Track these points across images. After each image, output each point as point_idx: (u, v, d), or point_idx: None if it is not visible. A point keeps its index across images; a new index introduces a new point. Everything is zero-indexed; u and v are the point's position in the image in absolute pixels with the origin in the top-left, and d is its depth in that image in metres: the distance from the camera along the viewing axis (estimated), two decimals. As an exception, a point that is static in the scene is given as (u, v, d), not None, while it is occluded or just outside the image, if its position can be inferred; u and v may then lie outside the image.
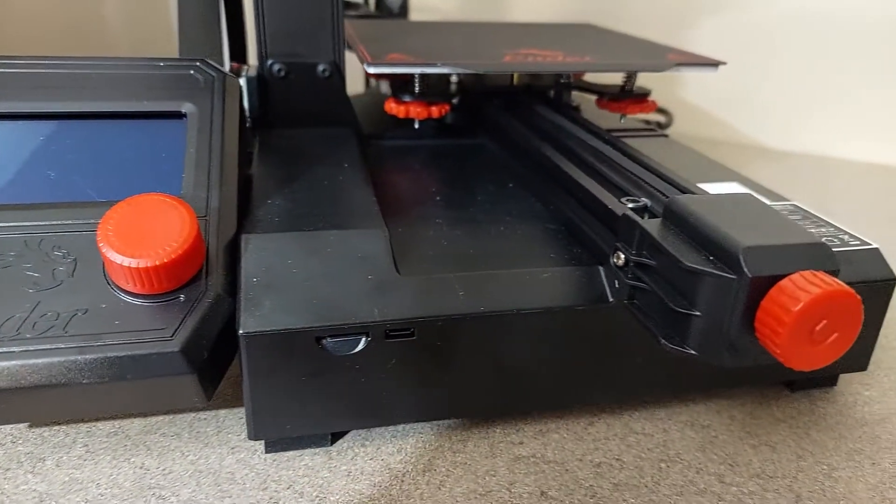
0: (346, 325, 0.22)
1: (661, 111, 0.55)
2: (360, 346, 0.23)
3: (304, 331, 0.22)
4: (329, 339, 0.22)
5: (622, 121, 0.41)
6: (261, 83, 0.35)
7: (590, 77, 0.41)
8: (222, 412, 0.26)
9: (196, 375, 0.21)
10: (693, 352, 0.20)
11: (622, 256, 0.23)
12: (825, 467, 0.25)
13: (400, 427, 0.26)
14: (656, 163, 0.29)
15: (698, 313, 0.19)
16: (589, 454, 0.25)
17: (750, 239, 0.19)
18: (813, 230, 0.28)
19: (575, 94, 0.43)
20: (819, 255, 0.19)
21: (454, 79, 0.41)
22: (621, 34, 0.45)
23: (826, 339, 0.18)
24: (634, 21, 0.68)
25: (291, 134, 0.35)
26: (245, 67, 0.35)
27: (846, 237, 0.28)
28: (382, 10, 0.73)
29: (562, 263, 0.25)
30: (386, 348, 0.23)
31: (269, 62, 0.35)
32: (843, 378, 0.30)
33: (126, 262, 0.21)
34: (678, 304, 0.20)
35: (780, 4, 0.61)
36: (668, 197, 0.24)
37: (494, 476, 0.24)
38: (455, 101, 0.41)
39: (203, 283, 0.22)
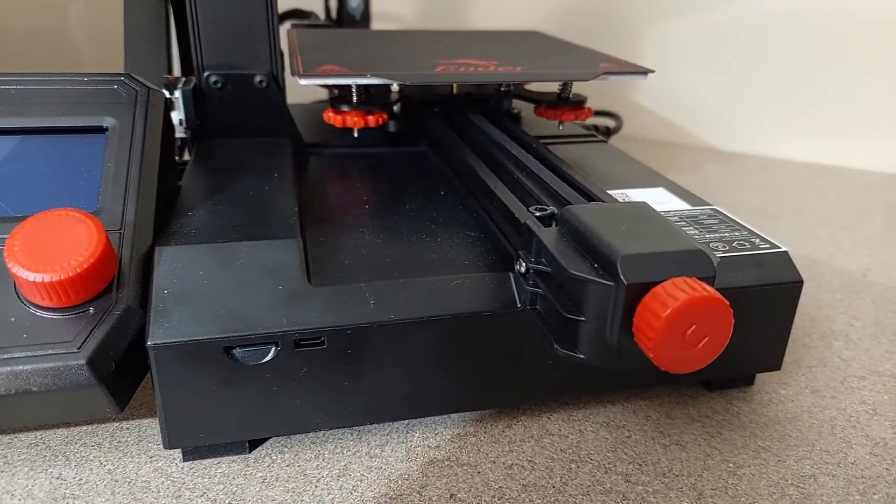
0: (255, 335, 0.23)
1: (611, 115, 0.56)
2: (270, 356, 0.23)
3: (213, 341, 0.22)
4: (238, 349, 0.23)
5: (560, 128, 0.42)
6: (197, 95, 0.35)
7: (532, 84, 0.42)
8: (146, 421, 0.27)
9: (104, 387, 0.22)
10: (582, 356, 0.21)
11: (524, 264, 0.23)
12: (731, 465, 0.25)
13: (321, 433, 0.26)
14: (574, 171, 0.30)
15: (584, 319, 0.20)
16: (503, 456, 0.25)
17: (629, 247, 0.20)
18: (727, 234, 0.29)
19: (518, 102, 0.44)
20: (695, 262, 0.20)
21: (395, 88, 0.42)
22: (564, 42, 0.46)
23: (697, 343, 0.19)
24: (591, 28, 0.69)
25: (228, 144, 0.35)
26: (181, 80, 0.36)
27: (757, 241, 0.29)
28: (345, 18, 0.74)
29: (475, 270, 0.26)
30: (296, 357, 0.23)
31: (206, 74, 0.35)
32: (762, 377, 0.31)
33: (32, 276, 0.21)
34: (568, 310, 0.21)
35: (730, 10, 0.62)
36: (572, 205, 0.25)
37: (407, 479, 0.24)
38: (396, 109, 0.41)
39: (113, 296, 0.23)
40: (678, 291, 0.18)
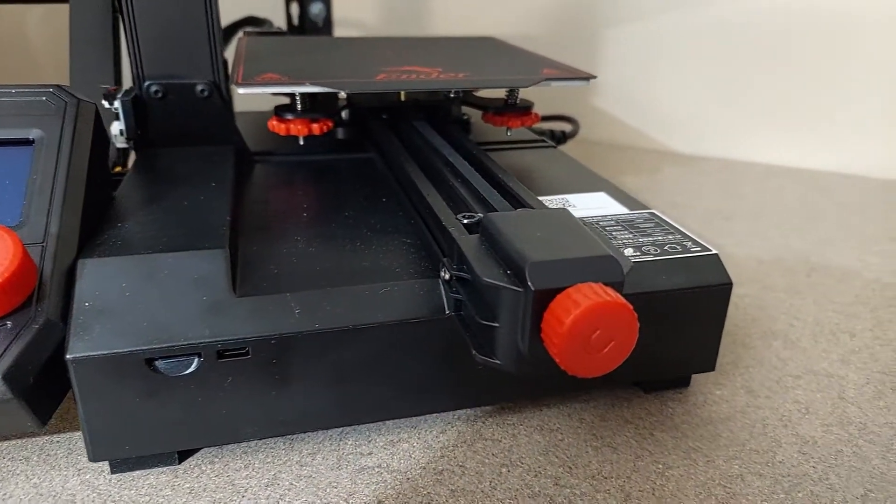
0: (177, 346, 0.23)
1: (568, 119, 0.57)
2: (193, 367, 0.23)
3: (133, 353, 0.22)
4: (160, 361, 0.23)
5: (508, 133, 0.42)
6: (138, 105, 0.35)
7: (483, 90, 0.42)
8: (77, 434, 0.27)
9: (23, 401, 0.22)
10: (498, 362, 0.21)
11: (447, 271, 0.23)
12: (660, 466, 0.26)
13: (252, 443, 0.26)
14: (510, 178, 0.30)
15: (498, 325, 0.20)
16: (434, 462, 0.26)
17: (538, 254, 0.20)
18: (660, 238, 0.30)
19: (469, 108, 0.44)
20: (603, 268, 0.20)
21: (343, 95, 0.42)
22: (515, 49, 0.46)
23: (603, 347, 0.19)
24: (552, 33, 0.70)
25: (169, 154, 0.35)
26: (121, 90, 0.36)
27: (689, 244, 0.29)
28: (307, 25, 0.74)
29: (405, 278, 0.26)
30: (220, 368, 0.23)
31: (146, 84, 0.35)
32: (699, 378, 0.31)
33: (-56, 291, 0.21)
34: (484, 316, 0.21)
35: (689, 14, 0.63)
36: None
37: (336, 487, 0.24)
38: (345, 116, 0.41)
39: (32, 310, 0.23)
40: (582, 297, 0.18)
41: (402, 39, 0.48)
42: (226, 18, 0.57)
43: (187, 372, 0.23)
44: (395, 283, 0.25)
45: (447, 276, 0.24)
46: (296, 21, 0.73)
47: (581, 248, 0.20)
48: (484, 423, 0.28)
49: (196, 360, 0.23)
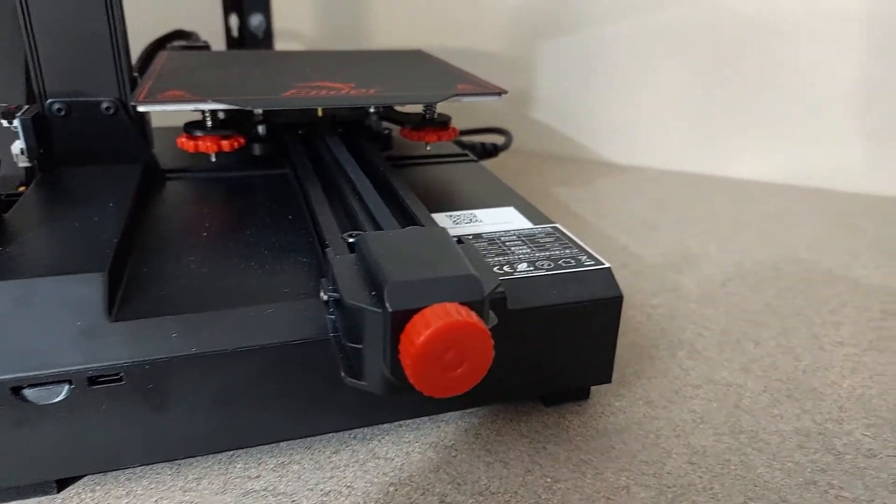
0: (45, 374, 0.22)
1: (501, 132, 0.57)
2: (63, 395, 0.23)
3: (-2, 382, 0.22)
4: (28, 389, 0.22)
5: (428, 148, 0.42)
6: (40, 123, 0.35)
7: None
8: (-45, 465, 0.26)
9: None
10: (365, 384, 0.21)
11: (325, 292, 0.23)
12: (549, 480, 0.26)
13: (137, 469, 0.26)
14: (408, 195, 0.30)
15: (363, 346, 0.20)
16: (322, 483, 0.25)
17: (399, 274, 0.20)
18: (557, 252, 0.30)
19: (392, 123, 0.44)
20: (463, 287, 0.20)
21: (258, 111, 0.41)
22: (437, 62, 0.47)
23: (457, 367, 0.19)
24: (489, 45, 0.71)
25: (72, 173, 0.34)
26: (23, 108, 0.35)
27: (584, 258, 0.29)
28: (247, 37, 0.73)
29: (293, 298, 0.26)
30: (92, 395, 0.23)
31: (48, 101, 0.35)
32: (599, 390, 0.31)
33: None
34: (350, 338, 0.21)
35: (622, 25, 0.64)
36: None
37: (218, 513, 0.24)
38: (262, 131, 0.41)
39: None
40: (435, 318, 0.18)
41: (327, 54, 0.48)
42: (161, 30, 0.57)
43: (57, 400, 0.23)
44: (279, 304, 0.25)
45: (325, 298, 0.23)
46: (235, 33, 0.73)
47: (444, 268, 0.20)
48: (379, 441, 0.28)
49: (66, 387, 0.23)
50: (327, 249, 0.24)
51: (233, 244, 0.30)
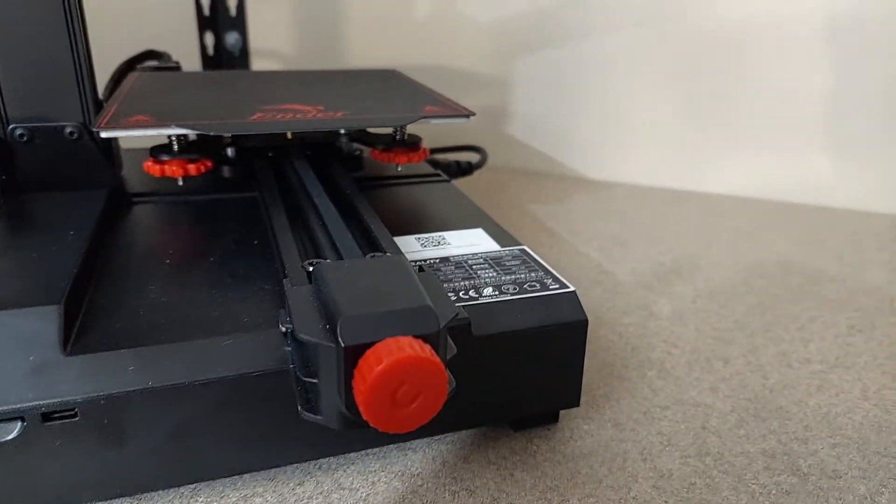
0: (-5, 411, 0.22)
1: (476, 149, 0.57)
2: (16, 432, 0.22)
3: (-55, 421, 0.21)
4: (-22, 427, 0.22)
5: (399, 169, 0.42)
6: (3, 149, 0.34)
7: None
8: None
9: None
10: (321, 419, 0.21)
11: (282, 323, 0.23)
12: (515, 508, 0.26)
13: (96, 504, 0.25)
14: (373, 220, 0.30)
15: (318, 381, 0.20)
16: (285, 516, 0.25)
17: (353, 307, 0.20)
18: (522, 275, 0.30)
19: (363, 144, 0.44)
20: (418, 320, 0.20)
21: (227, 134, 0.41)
22: (409, 83, 0.47)
23: (411, 402, 0.19)
24: (464, 63, 0.71)
25: (35, 200, 0.34)
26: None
27: (549, 281, 0.29)
28: (223, 56, 0.73)
29: (253, 328, 0.25)
30: (47, 431, 0.22)
31: (10, 126, 0.34)
32: (569, 413, 0.31)
33: None
34: (305, 372, 0.21)
35: (594, 42, 0.65)
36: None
37: (177, 550, 0.24)
38: (231, 154, 0.41)
39: None
40: (387, 353, 0.18)
41: (299, 74, 0.48)
42: (136, 48, 0.56)
43: (9, 437, 0.22)
44: (238, 336, 0.25)
45: (283, 329, 0.23)
46: (211, 51, 0.73)
47: (399, 300, 0.20)
48: (345, 471, 0.27)
49: (19, 424, 0.22)
50: (285, 280, 0.23)
51: (196, 271, 0.29)
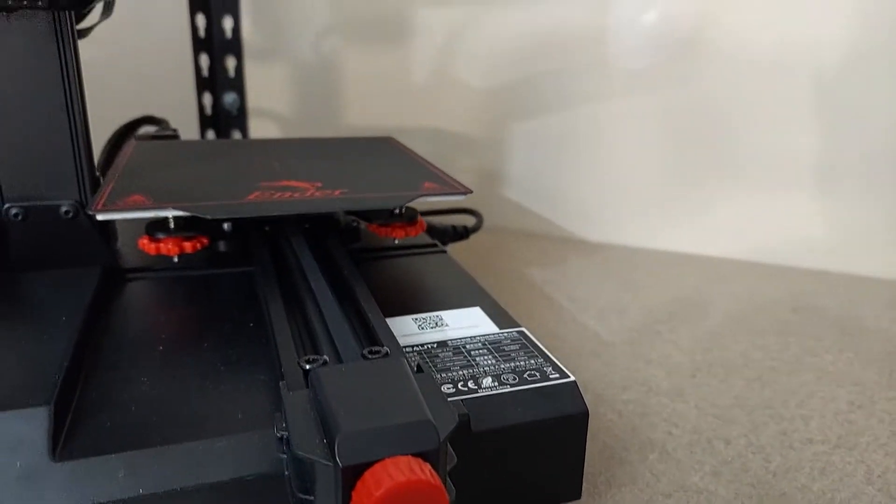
0: (-23, 524, 0.21)
1: (472, 213, 0.58)
2: (-2, 545, 0.21)
3: (-76, 537, 0.20)
4: (-42, 542, 0.21)
5: (396, 241, 0.42)
6: (-4, 228, 0.34)
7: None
8: None
9: None
10: (317, 536, 0.20)
11: (278, 429, 0.23)
12: None
13: None
14: (371, 307, 0.30)
15: (312, 498, 0.20)
16: None
17: (351, 422, 0.19)
18: (522, 363, 0.30)
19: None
20: (417, 437, 0.19)
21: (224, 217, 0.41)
22: (405, 154, 0.47)
23: (411, 526, 0.18)
24: (459, 127, 0.72)
25: (26, 280, 0.34)
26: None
27: (549, 370, 0.29)
28: (221, 115, 0.74)
29: (248, 427, 0.25)
30: (30, 543, 0.22)
31: (6, 206, 0.34)
32: (569, 503, 0.31)
33: None
34: (300, 487, 0.20)
35: (588, 109, 0.66)
36: (341, 355, 0.25)
37: None
38: (227, 227, 0.41)
39: None
40: (386, 476, 0.18)
41: (295, 143, 0.49)
42: (135, 109, 0.57)
43: (-9, 551, 0.21)
44: (231, 437, 0.24)
45: (279, 434, 0.23)
46: (209, 111, 0.73)
47: (398, 413, 0.20)
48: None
49: (2, 536, 0.21)
50: (282, 383, 0.23)
51: (189, 359, 0.29)
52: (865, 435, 0.37)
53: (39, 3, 0.29)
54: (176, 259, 0.37)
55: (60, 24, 0.31)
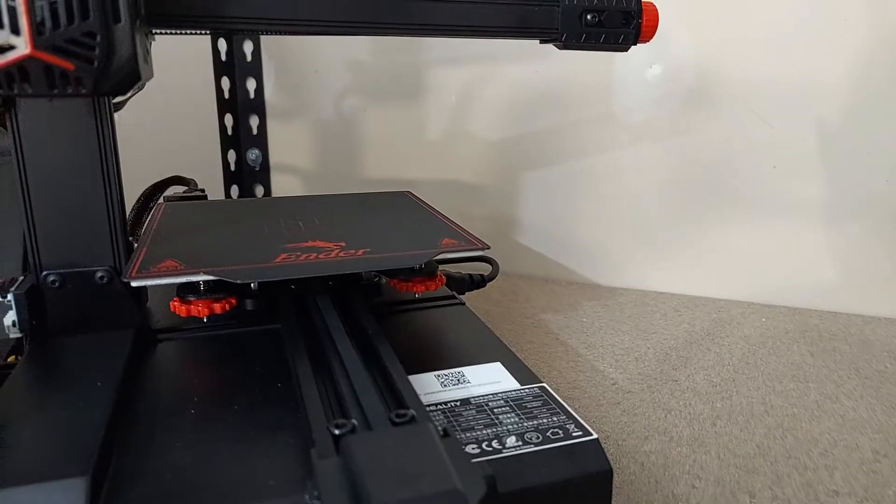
0: None
1: (487, 261, 0.59)
2: None
3: None
4: None
5: (416, 296, 0.43)
6: (34, 295, 0.35)
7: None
8: None
9: None
10: None
11: (307, 497, 0.23)
12: None
13: None
14: (395, 368, 0.30)
15: (348, 569, 0.20)
16: None
17: (382, 493, 0.20)
18: (545, 420, 0.30)
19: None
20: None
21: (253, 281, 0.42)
22: (423, 210, 0.48)
23: None
24: (475, 177, 0.74)
25: (62, 345, 0.35)
26: (17, 280, 0.36)
27: (572, 427, 0.30)
28: (245, 171, 0.76)
29: (280, 493, 0.25)
30: None
31: (44, 273, 0.36)
32: (595, 561, 0.31)
33: None
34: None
35: (600, 158, 0.67)
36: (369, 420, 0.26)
37: None
38: (254, 287, 0.42)
39: None
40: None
41: (316, 200, 0.50)
42: (163, 165, 0.59)
43: None
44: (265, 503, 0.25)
45: (310, 503, 0.23)
46: (233, 167, 0.76)
47: (428, 482, 0.21)
48: None
49: None
50: (313, 450, 0.24)
51: (220, 423, 0.30)
52: (893, 486, 0.36)
53: (83, 91, 0.31)
54: (205, 320, 0.38)
55: (99, 105, 0.33)
